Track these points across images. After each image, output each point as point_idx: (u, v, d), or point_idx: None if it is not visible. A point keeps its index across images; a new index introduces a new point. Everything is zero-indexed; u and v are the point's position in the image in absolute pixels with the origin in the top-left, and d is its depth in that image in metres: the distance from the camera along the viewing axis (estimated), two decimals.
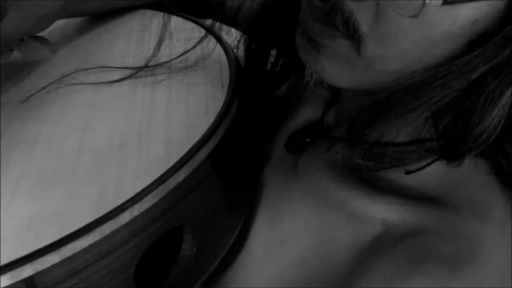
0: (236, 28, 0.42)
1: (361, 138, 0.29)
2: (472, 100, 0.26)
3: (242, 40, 0.43)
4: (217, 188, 0.32)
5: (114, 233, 0.26)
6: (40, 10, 0.42)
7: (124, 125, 0.34)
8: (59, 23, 0.50)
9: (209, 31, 0.41)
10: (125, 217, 0.27)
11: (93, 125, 0.35)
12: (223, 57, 0.39)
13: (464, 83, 0.25)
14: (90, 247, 0.26)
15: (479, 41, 0.25)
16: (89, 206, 0.28)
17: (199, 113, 0.34)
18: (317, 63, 0.29)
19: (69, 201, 0.28)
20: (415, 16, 0.22)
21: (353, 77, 0.28)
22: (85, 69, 0.41)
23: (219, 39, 0.41)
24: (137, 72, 0.39)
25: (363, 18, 0.25)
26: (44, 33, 0.48)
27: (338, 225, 0.32)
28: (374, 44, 0.26)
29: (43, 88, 0.40)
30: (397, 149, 0.30)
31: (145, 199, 0.27)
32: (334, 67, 0.28)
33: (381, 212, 0.30)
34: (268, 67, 0.42)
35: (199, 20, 0.44)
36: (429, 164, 0.30)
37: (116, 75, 0.40)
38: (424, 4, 0.22)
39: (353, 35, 0.26)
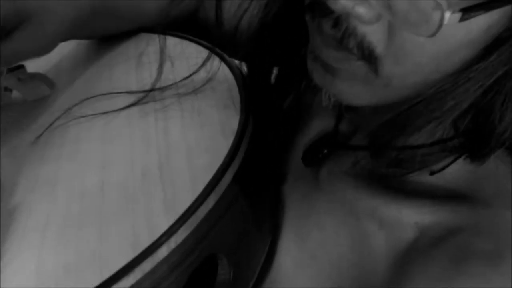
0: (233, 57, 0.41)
1: (382, 146, 0.29)
2: (490, 99, 0.26)
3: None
4: (246, 208, 0.32)
5: (154, 270, 0.26)
6: (50, 34, 0.41)
7: (143, 155, 0.34)
8: (53, 58, 0.50)
9: (212, 50, 0.41)
10: (163, 252, 0.26)
11: (110, 158, 0.34)
12: (229, 75, 0.39)
13: (484, 87, 0.25)
14: (132, 287, 0.26)
15: (493, 45, 0.25)
16: (124, 244, 0.27)
17: (216, 135, 0.34)
18: (334, 87, 0.29)
19: (102, 241, 0.28)
20: (431, 36, 0.22)
21: (372, 95, 0.28)
22: (89, 98, 0.41)
23: (222, 58, 0.40)
24: (145, 96, 0.39)
25: (376, 39, 0.25)
26: (40, 68, 0.48)
27: (369, 233, 0.31)
28: (391, 62, 0.25)
29: (51, 124, 0.40)
30: (420, 151, 0.30)
31: (180, 231, 0.27)
32: (352, 88, 0.28)
33: (414, 216, 0.30)
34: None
35: (199, 39, 0.44)
36: (451, 163, 0.30)
37: (123, 103, 0.39)
38: (441, 25, 0.21)
39: (369, 57, 0.26)
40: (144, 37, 0.49)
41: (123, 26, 0.50)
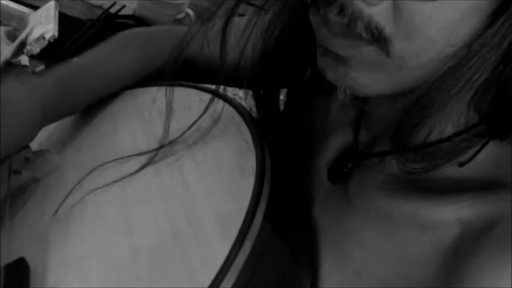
0: (239, 86, 0.41)
1: (408, 143, 0.29)
2: (508, 75, 0.26)
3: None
4: (282, 245, 0.31)
5: None
6: (23, 123, 0.41)
7: (167, 212, 0.33)
8: (55, 132, 0.50)
9: (214, 93, 0.41)
10: None
11: (134, 223, 0.34)
12: (235, 114, 0.39)
13: (499, 54, 0.25)
14: None
15: (500, 8, 0.25)
16: None
17: (235, 177, 0.33)
18: (347, 78, 0.29)
19: None
20: None
21: (388, 80, 0.28)
22: (98, 166, 0.40)
23: (225, 98, 0.40)
24: (155, 155, 0.38)
25: (383, 18, 0.25)
26: (44, 144, 0.48)
27: (410, 238, 0.31)
28: (401, 41, 0.26)
29: (65, 199, 0.39)
30: (449, 142, 0.29)
31: (222, 284, 0.27)
32: (366, 76, 0.28)
33: (453, 212, 0.29)
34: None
35: (198, 84, 0.44)
36: (480, 150, 0.29)
37: (135, 165, 0.39)
38: None
39: (378, 38, 0.26)
40: (138, 92, 0.49)
41: (101, 93, 0.49)
